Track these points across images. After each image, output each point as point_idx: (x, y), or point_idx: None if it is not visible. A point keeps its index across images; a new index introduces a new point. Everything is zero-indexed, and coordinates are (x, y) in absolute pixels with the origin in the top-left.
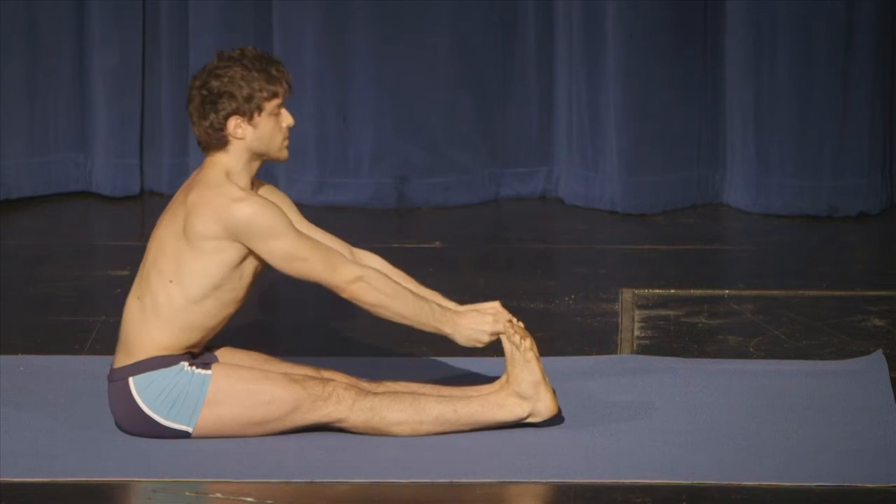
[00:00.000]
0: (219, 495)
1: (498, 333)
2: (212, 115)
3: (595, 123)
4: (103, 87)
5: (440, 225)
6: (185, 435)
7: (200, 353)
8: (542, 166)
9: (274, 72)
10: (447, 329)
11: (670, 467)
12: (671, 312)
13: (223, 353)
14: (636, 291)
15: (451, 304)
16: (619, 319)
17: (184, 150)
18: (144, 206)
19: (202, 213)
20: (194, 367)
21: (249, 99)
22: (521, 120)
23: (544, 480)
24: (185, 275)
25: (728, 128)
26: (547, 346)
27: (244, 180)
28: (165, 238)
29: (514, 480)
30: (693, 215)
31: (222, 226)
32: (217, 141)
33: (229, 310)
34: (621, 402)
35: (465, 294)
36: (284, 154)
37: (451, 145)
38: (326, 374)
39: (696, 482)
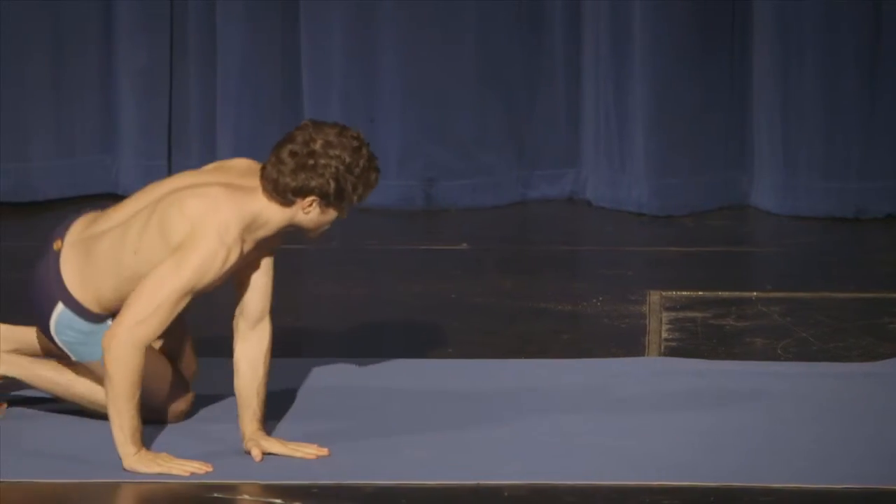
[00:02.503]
0: (246, 497)
1: (168, 471)
2: (302, 183)
3: (622, 125)
4: (131, 89)
5: (467, 227)
6: (66, 357)
7: None
8: (569, 168)
9: (374, 179)
10: (131, 451)
11: (698, 469)
12: (699, 314)
13: None
14: (664, 293)
15: (255, 424)
16: (647, 321)
17: (211, 151)
18: None
19: (200, 208)
20: (109, 321)
21: (339, 197)
22: (549, 122)
23: (572, 482)
24: (145, 251)
25: (755, 130)
26: (574, 348)
27: (266, 235)
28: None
29: (541, 482)
30: (720, 217)
31: (191, 230)
32: (283, 199)
33: None
34: (649, 404)
35: (491, 296)
36: (317, 238)
37: (478, 147)
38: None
39: (723, 484)
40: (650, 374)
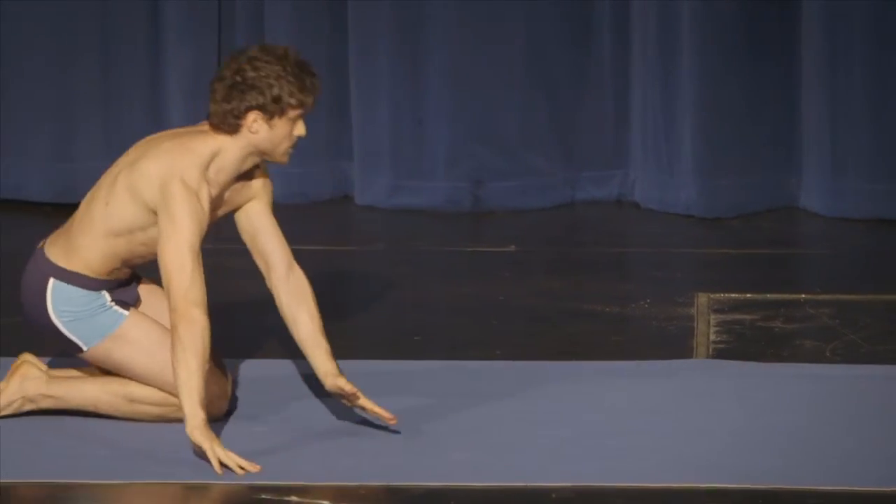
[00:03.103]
0: (294, 498)
1: (212, 459)
2: (235, 102)
3: (670, 127)
4: (178, 91)
5: (515, 228)
6: (76, 349)
7: (125, 282)
8: (617, 170)
9: (308, 82)
10: (199, 417)
11: (747, 471)
12: (747, 316)
13: (145, 292)
14: (712, 295)
15: (331, 366)
16: (695, 323)
17: None
18: None
19: (159, 163)
20: (114, 304)
21: (277, 101)
22: (597, 123)
23: (619, 484)
24: (113, 205)
25: (803, 131)
26: (622, 350)
27: (229, 173)
28: (125, 159)
29: (588, 484)
30: (768, 219)
31: (159, 189)
32: (230, 126)
33: (142, 257)
34: (697, 407)
35: (539, 298)
36: (285, 160)
37: (526, 149)
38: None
39: (772, 486)
40: (698, 376)
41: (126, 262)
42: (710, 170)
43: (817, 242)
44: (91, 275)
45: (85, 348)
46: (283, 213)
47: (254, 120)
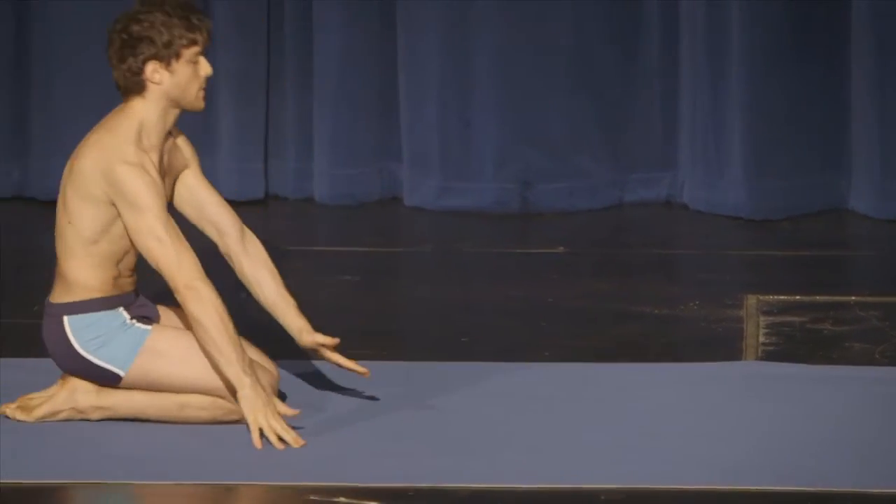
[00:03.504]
0: (342, 499)
1: (268, 432)
2: (130, 59)
3: (719, 128)
4: (228, 91)
5: (563, 230)
6: (115, 378)
7: (135, 294)
8: (666, 171)
9: (194, 20)
10: (246, 382)
11: (795, 474)
12: (796, 319)
13: (164, 309)
14: (761, 297)
15: (303, 322)
16: (744, 325)
17: (308, 154)
18: (268, 211)
19: (94, 154)
20: (134, 321)
21: (168, 45)
22: (645, 125)
23: (668, 486)
24: (74, 216)
25: (853, 133)
26: (671, 352)
27: (157, 134)
28: (66, 173)
29: (637, 486)
30: (817, 221)
31: (104, 180)
32: (135, 85)
33: (127, 252)
34: (745, 409)
35: (587, 300)
36: (200, 104)
37: (574, 150)
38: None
39: (820, 489)
40: (747, 378)
41: (120, 264)
42: (759, 171)
43: (866, 244)
44: (97, 295)
45: (122, 373)
46: (332, 214)
47: (154, 70)
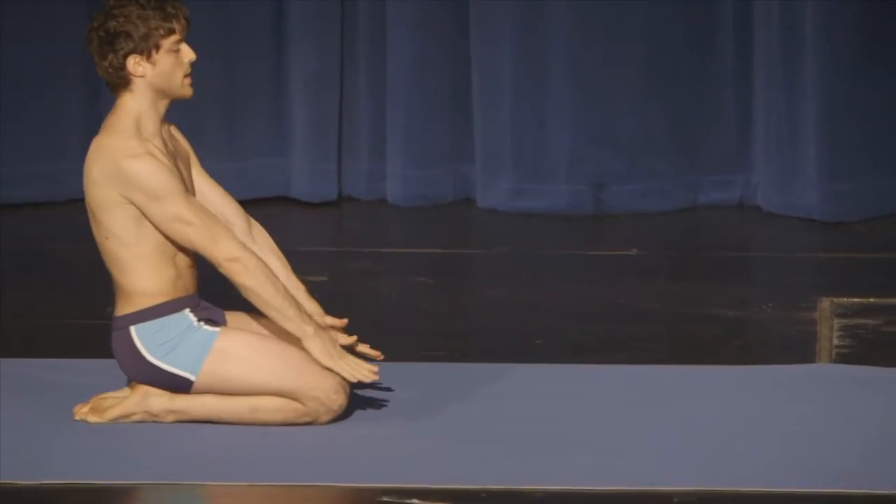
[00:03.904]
0: (415, 501)
1: (344, 371)
2: (111, 56)
3: (793, 130)
4: (302, 93)
5: (636, 232)
6: (187, 383)
7: (198, 297)
8: (739, 174)
9: (169, 9)
10: (309, 330)
11: (867, 477)
12: (870, 321)
13: (233, 316)
14: (835, 300)
15: (314, 306)
16: (818, 328)
17: (381, 155)
18: (342, 212)
19: (98, 159)
20: (202, 323)
21: (146, 37)
22: (719, 126)
23: (740, 489)
24: (106, 226)
25: None
26: (744, 354)
27: (153, 122)
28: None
29: (710, 488)
30: (892, 223)
31: (117, 182)
32: (120, 80)
33: (172, 245)
34: (818, 411)
35: (660, 302)
36: (188, 91)
37: (647, 152)
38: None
39: (893, 492)
40: (820, 381)
41: (176, 261)
42: (833, 173)
43: None
44: (159, 300)
45: (193, 377)
46: (406, 215)
47: (135, 63)
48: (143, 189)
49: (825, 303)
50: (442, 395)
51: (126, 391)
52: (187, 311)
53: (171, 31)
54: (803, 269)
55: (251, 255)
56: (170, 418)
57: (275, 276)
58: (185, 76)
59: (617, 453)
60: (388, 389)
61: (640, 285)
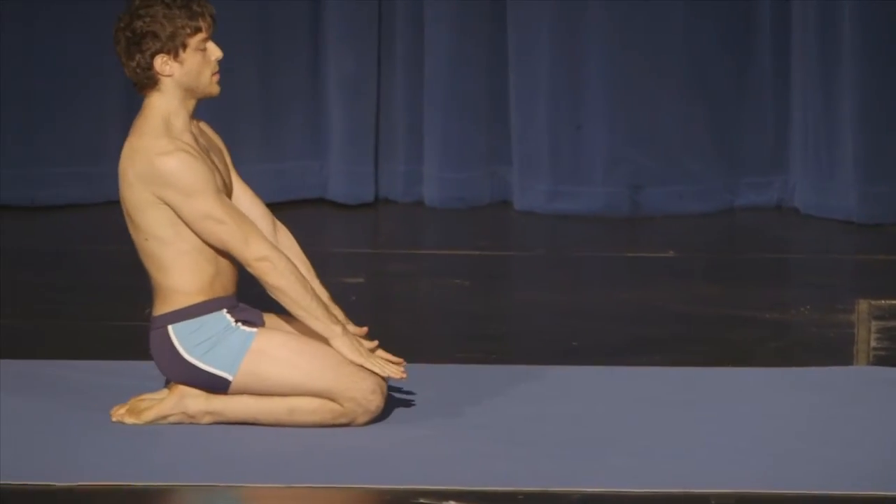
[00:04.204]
0: (451, 502)
1: (375, 367)
2: (138, 56)
3: (831, 132)
4: (339, 95)
5: (673, 234)
6: (224, 383)
7: (236, 299)
8: (777, 176)
9: (195, 7)
10: (337, 330)
11: None
12: None
13: (270, 318)
14: (873, 302)
15: (337, 311)
16: (856, 330)
17: (418, 158)
18: (378, 214)
19: (132, 161)
20: (239, 324)
21: (173, 37)
22: (756, 128)
23: (778, 491)
24: (143, 227)
25: None
26: (781, 357)
27: (182, 120)
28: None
29: (747, 490)
30: None
31: (149, 182)
32: (147, 80)
33: (207, 246)
34: (856, 414)
35: (697, 304)
36: (215, 89)
37: (685, 154)
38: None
39: None
40: (858, 383)
41: (214, 261)
42: (870, 175)
43: None
44: (198, 299)
45: (231, 377)
46: (443, 217)
47: (163, 63)
48: (176, 186)
49: (863, 305)
50: (478, 396)
51: (163, 392)
52: (225, 311)
53: (198, 30)
54: (841, 271)
55: (280, 256)
56: (206, 420)
57: (303, 276)
58: (213, 74)
59: (653, 455)
60: (424, 391)
61: (676, 287)
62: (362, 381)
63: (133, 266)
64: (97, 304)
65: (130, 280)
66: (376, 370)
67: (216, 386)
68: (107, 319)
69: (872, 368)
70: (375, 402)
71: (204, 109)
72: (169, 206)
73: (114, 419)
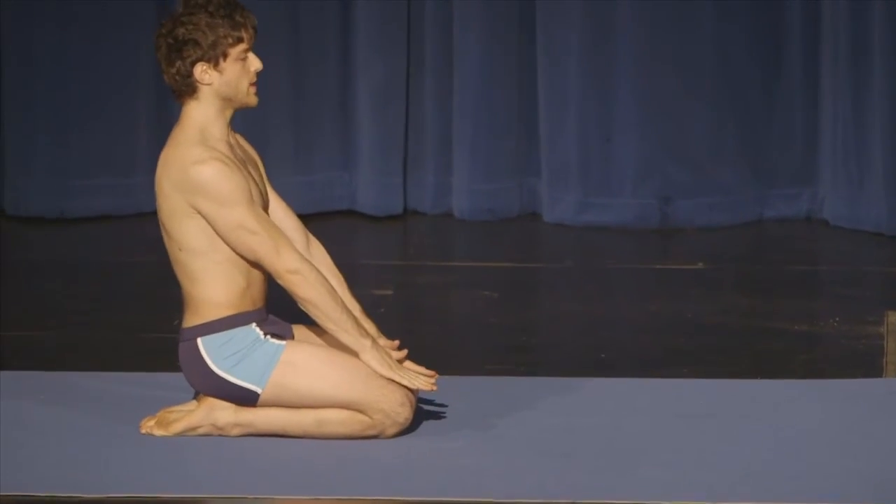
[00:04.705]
0: None
1: (405, 379)
2: (178, 63)
3: (861, 143)
4: (368, 107)
5: (703, 245)
6: (253, 396)
7: (266, 312)
8: (806, 187)
9: (238, 17)
10: (366, 344)
11: None
12: None
13: (300, 330)
14: None
15: (369, 324)
16: (885, 342)
17: (447, 169)
18: (407, 226)
19: (167, 170)
20: (268, 337)
21: (214, 46)
22: (786, 140)
23: None
24: (178, 238)
25: None
26: (811, 369)
27: (219, 129)
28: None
29: (778, 503)
30: None
31: (184, 191)
32: (186, 87)
33: (241, 258)
34: (886, 426)
35: (727, 316)
36: (253, 100)
37: (714, 165)
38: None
39: None
40: (887, 395)
41: (246, 273)
42: None
43: None
44: (227, 312)
45: (259, 390)
46: (472, 229)
47: (203, 71)
48: (210, 195)
49: (892, 317)
50: (507, 408)
51: (193, 404)
52: (254, 325)
53: (240, 40)
54: (870, 283)
55: (311, 268)
56: (235, 432)
57: (333, 289)
58: (251, 85)
59: (683, 467)
60: (454, 403)
61: (707, 299)
62: (391, 393)
63: (163, 277)
64: (127, 315)
65: (160, 292)
66: (405, 383)
67: (245, 399)
68: (137, 331)
69: None
70: (404, 414)
71: (234, 121)
72: (202, 215)
73: (143, 431)
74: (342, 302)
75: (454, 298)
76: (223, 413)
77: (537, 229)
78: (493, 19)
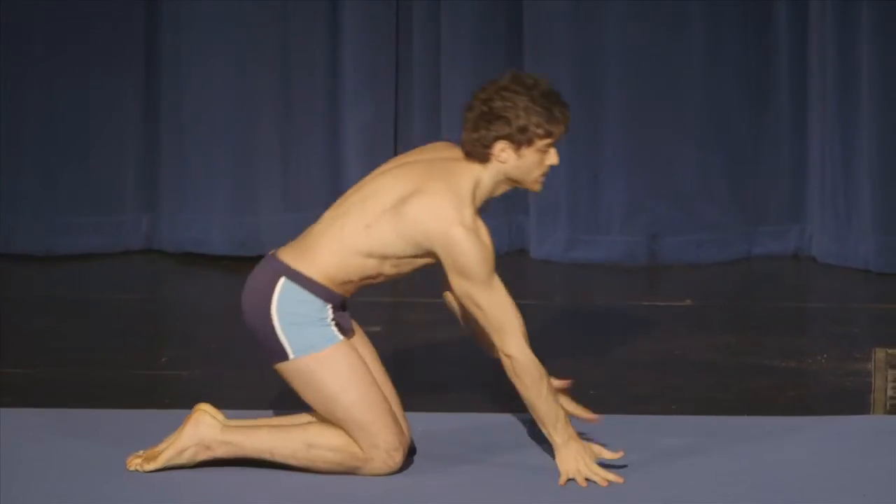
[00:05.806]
0: None
1: (594, 479)
2: (483, 131)
3: (848, 180)
4: (356, 143)
5: (691, 283)
6: (283, 355)
7: (344, 304)
8: (794, 224)
9: (557, 112)
10: (559, 440)
11: None
12: None
13: (359, 331)
14: (889, 351)
15: (567, 401)
16: (873, 379)
17: None
18: None
19: (425, 202)
20: (333, 324)
21: (523, 131)
22: (773, 177)
23: None
24: (376, 231)
25: None
26: (799, 406)
27: (484, 197)
28: (388, 189)
29: None
30: None
31: (433, 235)
32: (479, 155)
33: (386, 276)
34: (873, 463)
35: (715, 353)
36: (537, 188)
37: (702, 202)
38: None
39: None
40: (875, 432)
41: (364, 280)
42: (888, 224)
43: None
44: (324, 282)
45: (291, 356)
46: None
47: (502, 149)
48: (456, 260)
49: (880, 354)
50: (498, 446)
51: (176, 433)
52: (330, 307)
53: (549, 135)
54: (858, 320)
55: (525, 357)
56: (222, 450)
57: (542, 380)
58: (542, 175)
59: (699, 476)
60: (443, 440)
61: (694, 336)
62: (392, 435)
63: (151, 315)
64: (114, 353)
65: (148, 329)
66: (597, 481)
67: (274, 352)
68: (125, 368)
69: (889, 417)
70: (396, 458)
71: (222, 159)
72: (431, 256)
73: (130, 468)
74: (549, 393)
75: (442, 335)
76: (209, 430)
77: (525, 266)
78: (481, 56)
